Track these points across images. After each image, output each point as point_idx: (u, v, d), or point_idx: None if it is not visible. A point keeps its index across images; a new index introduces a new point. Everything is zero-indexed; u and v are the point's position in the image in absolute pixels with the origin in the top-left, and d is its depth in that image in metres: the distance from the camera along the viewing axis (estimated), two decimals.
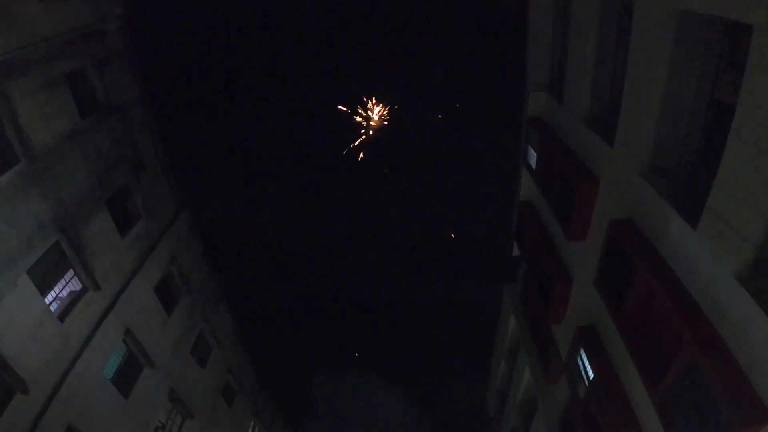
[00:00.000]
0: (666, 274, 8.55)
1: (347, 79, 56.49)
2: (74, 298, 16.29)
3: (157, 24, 41.33)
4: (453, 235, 53.74)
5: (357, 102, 56.29)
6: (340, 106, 55.29)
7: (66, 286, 16.14)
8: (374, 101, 56.23)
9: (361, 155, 57.12)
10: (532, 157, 15.85)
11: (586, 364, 12.39)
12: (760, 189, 6.31)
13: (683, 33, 8.01)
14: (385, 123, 56.29)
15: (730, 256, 6.97)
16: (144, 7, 34.00)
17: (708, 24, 7.91)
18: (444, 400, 48.95)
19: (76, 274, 16.36)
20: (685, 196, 8.52)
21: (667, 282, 8.43)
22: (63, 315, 15.63)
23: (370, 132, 56.16)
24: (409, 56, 56.53)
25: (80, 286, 16.59)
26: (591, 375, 12.15)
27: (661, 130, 9.03)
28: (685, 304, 7.96)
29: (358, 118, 55.61)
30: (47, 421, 14.31)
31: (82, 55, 17.18)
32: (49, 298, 15.27)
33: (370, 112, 55.95)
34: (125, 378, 18.45)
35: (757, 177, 6.35)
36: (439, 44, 57.53)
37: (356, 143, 57.48)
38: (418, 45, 57.33)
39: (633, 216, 10.04)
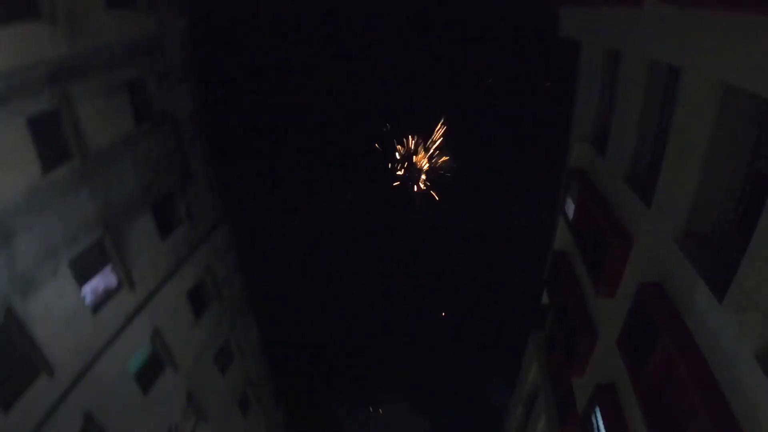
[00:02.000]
0: (688, 344, 8.47)
1: (400, 117, 57.72)
2: (109, 293, 16.86)
3: (217, 42, 42.93)
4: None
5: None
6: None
7: (103, 281, 16.73)
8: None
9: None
10: (570, 207, 15.80)
11: (601, 422, 12.23)
12: None
13: (727, 103, 8.05)
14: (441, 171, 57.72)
15: (752, 334, 6.91)
16: (206, 26, 35.37)
17: (752, 97, 7.93)
18: None
19: (114, 270, 16.96)
20: (715, 266, 8.44)
21: (688, 352, 8.34)
22: (97, 307, 16.20)
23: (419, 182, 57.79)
24: (461, 98, 57.46)
25: (116, 282, 17.16)
26: None
27: (698, 197, 8.99)
28: (703, 376, 7.87)
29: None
30: (67, 405, 14.82)
31: (143, 66, 18.03)
32: (85, 290, 15.84)
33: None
34: (147, 375, 18.93)
35: None
36: (488, 89, 58.31)
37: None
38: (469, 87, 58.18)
39: (663, 280, 9.97)
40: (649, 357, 9.64)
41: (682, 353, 8.38)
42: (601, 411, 12.22)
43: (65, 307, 14.72)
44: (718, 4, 7.26)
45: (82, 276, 15.61)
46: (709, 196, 8.96)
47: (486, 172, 55.98)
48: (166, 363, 19.95)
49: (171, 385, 20.35)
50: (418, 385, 49.18)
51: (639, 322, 10.37)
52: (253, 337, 28.95)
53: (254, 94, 50.14)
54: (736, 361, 7.28)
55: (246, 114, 49.80)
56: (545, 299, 20.04)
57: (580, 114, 16.32)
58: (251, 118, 50.43)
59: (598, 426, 12.36)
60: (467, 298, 53.52)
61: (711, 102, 8.23)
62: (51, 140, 14.43)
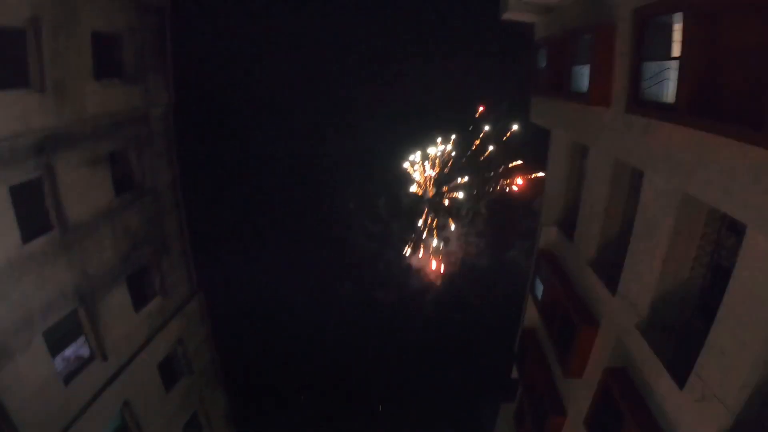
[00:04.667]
0: (650, 428, 8.91)
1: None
2: (81, 364, 16.61)
3: (199, 113, 43.83)
4: None
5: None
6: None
7: (76, 352, 16.57)
8: None
9: None
10: (539, 288, 16.34)
11: None
12: (743, 362, 6.79)
13: (687, 204, 8.69)
14: None
15: (708, 421, 7.38)
16: (190, 96, 36.23)
17: None
18: None
19: (87, 341, 16.77)
20: (677, 353, 8.96)
21: None
22: (68, 378, 15.90)
23: None
24: None
25: (89, 353, 16.98)
26: None
27: (660, 288, 9.55)
28: None
29: None
30: None
31: (126, 137, 18.30)
32: (58, 360, 15.64)
33: None
34: None
35: (742, 351, 6.84)
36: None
37: None
38: None
39: (628, 365, 10.45)
40: None
41: None
42: None
43: (37, 377, 14.49)
44: (679, 120, 7.97)
45: (56, 346, 15.42)
46: (671, 286, 9.56)
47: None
48: None
49: None
50: None
51: (605, 404, 10.80)
52: (221, 409, 28.33)
53: (237, 165, 50.94)
54: None
55: (227, 185, 50.43)
56: (515, 373, 20.30)
57: (549, 198, 17.05)
58: (232, 191, 51.06)
59: None
60: (441, 364, 53.73)
61: (671, 205, 8.89)
62: (31, 210, 14.50)
